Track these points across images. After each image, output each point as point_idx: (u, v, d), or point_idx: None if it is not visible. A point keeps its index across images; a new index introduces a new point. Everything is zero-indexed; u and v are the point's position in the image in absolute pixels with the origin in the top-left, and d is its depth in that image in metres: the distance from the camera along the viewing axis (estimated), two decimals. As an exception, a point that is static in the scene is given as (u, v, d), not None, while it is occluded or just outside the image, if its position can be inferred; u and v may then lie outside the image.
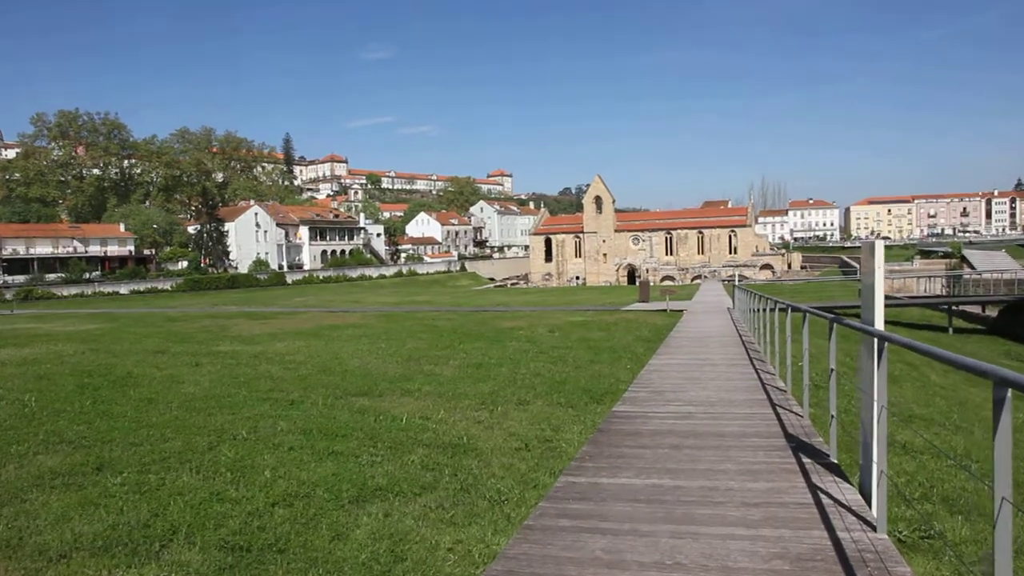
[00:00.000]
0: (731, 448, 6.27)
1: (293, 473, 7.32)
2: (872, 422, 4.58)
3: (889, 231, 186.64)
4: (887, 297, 40.15)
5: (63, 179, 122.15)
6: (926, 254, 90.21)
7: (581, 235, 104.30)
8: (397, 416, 9.88)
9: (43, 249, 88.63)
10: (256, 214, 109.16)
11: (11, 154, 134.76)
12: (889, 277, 51.80)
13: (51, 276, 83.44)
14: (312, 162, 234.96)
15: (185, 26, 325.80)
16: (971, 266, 61.90)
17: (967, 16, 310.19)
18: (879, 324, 4.74)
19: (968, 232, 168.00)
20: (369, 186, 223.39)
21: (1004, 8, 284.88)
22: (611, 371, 13.84)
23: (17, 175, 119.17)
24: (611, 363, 14.89)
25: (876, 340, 4.52)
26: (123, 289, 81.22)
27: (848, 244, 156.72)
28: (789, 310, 9.42)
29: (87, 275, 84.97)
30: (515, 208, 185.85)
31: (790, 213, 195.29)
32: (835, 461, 5.77)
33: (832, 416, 5.95)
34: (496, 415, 10.06)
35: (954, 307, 30.06)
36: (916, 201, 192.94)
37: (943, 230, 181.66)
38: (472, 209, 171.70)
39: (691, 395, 9.14)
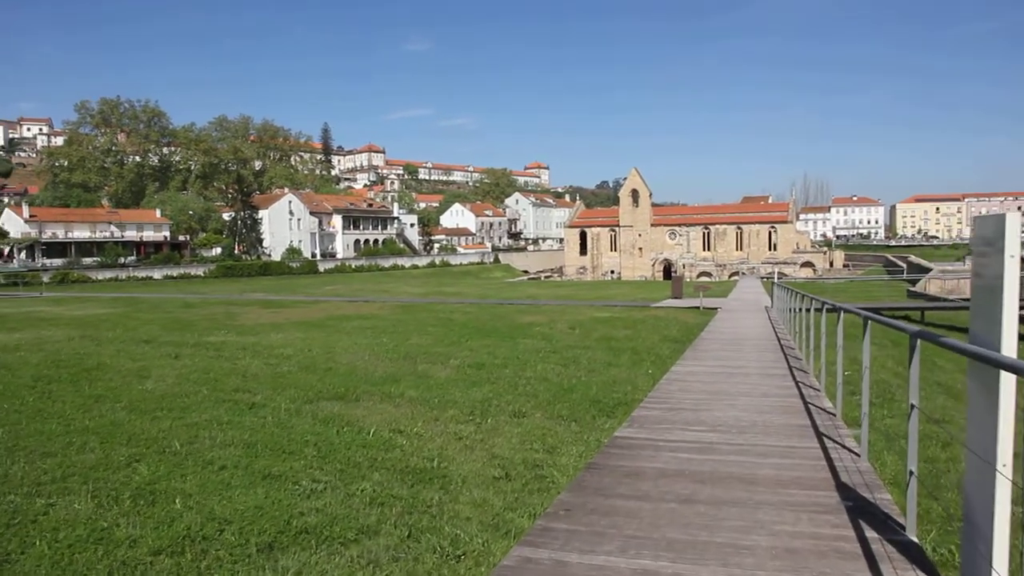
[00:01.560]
0: (763, 506, 4.57)
1: (209, 503, 5.87)
2: (988, 491, 2.92)
3: (937, 230, 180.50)
4: (936, 299, 37.69)
5: (104, 165, 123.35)
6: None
7: (617, 228, 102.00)
8: (365, 428, 8.38)
9: (81, 233, 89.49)
10: (290, 202, 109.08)
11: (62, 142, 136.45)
12: (940, 278, 49.02)
13: (87, 260, 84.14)
14: (350, 152, 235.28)
15: (228, 18, 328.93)
16: (1028, 267, 58.44)
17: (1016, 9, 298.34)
18: (1009, 348, 3.02)
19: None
20: (406, 176, 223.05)
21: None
22: (629, 376, 12.19)
23: (63, 162, 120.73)
24: (630, 367, 13.23)
25: (1001, 373, 2.86)
26: (156, 274, 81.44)
27: (893, 243, 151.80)
28: (841, 313, 7.62)
29: (122, 260, 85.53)
30: (551, 200, 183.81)
31: (833, 210, 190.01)
32: (914, 539, 4.07)
33: (911, 473, 4.24)
34: (483, 430, 8.51)
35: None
36: (967, 199, 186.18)
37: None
38: (507, 201, 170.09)
39: (716, 415, 7.45)
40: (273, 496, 6.06)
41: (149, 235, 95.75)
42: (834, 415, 7.49)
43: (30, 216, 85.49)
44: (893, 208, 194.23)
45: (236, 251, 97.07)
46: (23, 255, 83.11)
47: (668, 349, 15.75)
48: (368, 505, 5.93)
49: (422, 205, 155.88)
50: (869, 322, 5.69)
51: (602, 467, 5.66)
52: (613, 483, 5.19)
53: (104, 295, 45.39)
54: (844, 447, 6.21)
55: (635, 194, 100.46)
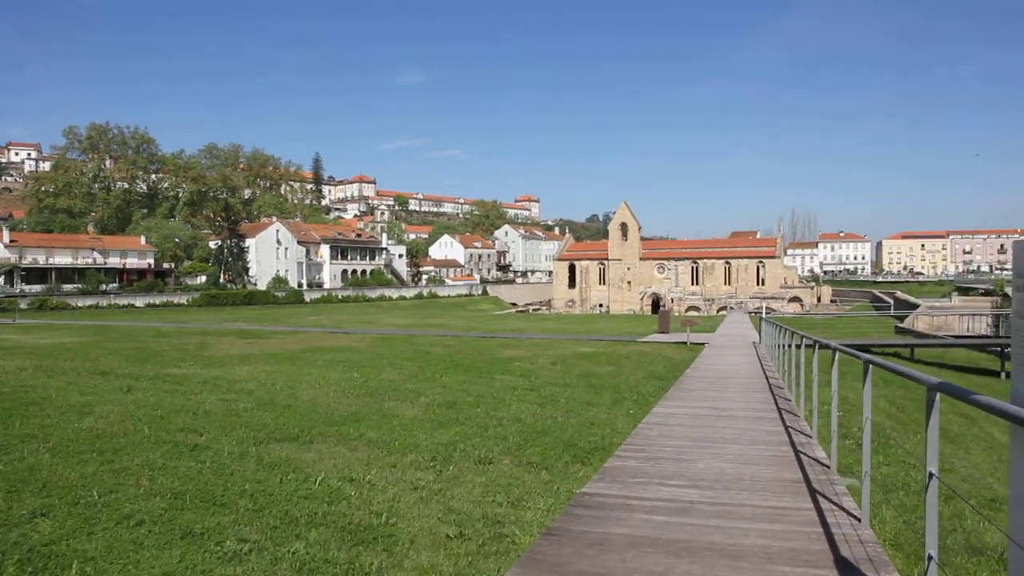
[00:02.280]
0: (748, 590, 3.81)
1: (110, 570, 5.05)
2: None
3: (923, 266, 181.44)
4: (924, 335, 37.19)
5: (91, 191, 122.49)
6: (964, 291, 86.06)
7: (606, 262, 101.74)
8: (312, 475, 7.58)
9: (63, 259, 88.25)
10: (277, 231, 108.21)
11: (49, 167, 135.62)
12: (928, 314, 48.65)
13: (68, 287, 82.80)
14: (341, 182, 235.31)
15: (220, 47, 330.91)
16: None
17: (1004, 50, 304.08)
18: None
19: (1006, 269, 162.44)
20: (396, 207, 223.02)
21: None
22: (608, 418, 11.43)
23: (49, 187, 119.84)
24: (610, 407, 12.48)
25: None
26: (139, 302, 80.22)
27: (880, 279, 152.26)
28: (835, 353, 6.86)
29: (103, 287, 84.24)
30: (540, 233, 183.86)
31: (820, 246, 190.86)
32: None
33: (930, 558, 3.45)
34: (443, 478, 7.72)
35: (1007, 348, 27.13)
36: (951, 236, 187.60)
37: (979, 267, 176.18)
38: (497, 233, 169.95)
39: (698, 468, 6.71)
40: (188, 560, 5.26)
41: (133, 262, 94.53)
42: (828, 467, 6.75)
43: (10, 241, 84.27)
44: (879, 244, 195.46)
45: (222, 280, 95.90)
46: (1, 281, 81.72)
47: (652, 387, 15.02)
48: (296, 573, 5.13)
49: (411, 236, 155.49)
50: (870, 367, 4.96)
51: (562, 533, 4.88)
52: (573, 555, 4.41)
53: (79, 323, 44.36)
54: (842, 508, 5.47)
55: (624, 227, 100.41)
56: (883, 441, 10.35)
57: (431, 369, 17.65)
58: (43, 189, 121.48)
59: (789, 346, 14.14)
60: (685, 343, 26.60)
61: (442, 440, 9.45)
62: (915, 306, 58.82)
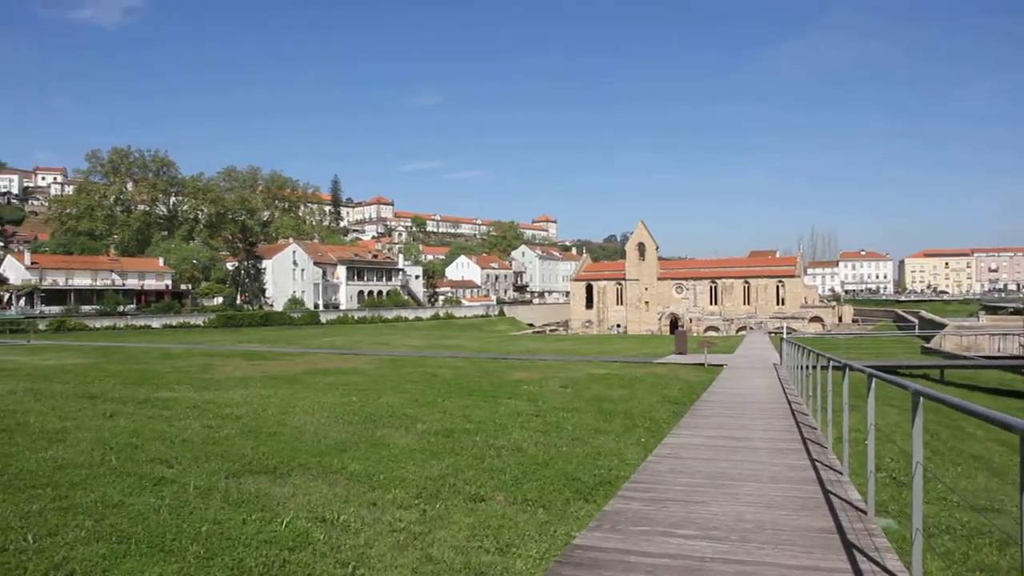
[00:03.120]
0: None
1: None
2: None
3: (947, 285, 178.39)
4: (954, 356, 35.86)
5: (112, 214, 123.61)
6: (992, 310, 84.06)
7: (623, 282, 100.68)
8: (281, 515, 6.79)
9: (82, 281, 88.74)
10: (294, 252, 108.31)
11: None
12: (956, 334, 47.20)
13: (86, 308, 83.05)
14: (359, 204, 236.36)
15: (241, 73, 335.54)
16: (1046, 324, 56.51)
17: (1019, 69, 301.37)
18: None
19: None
20: (414, 228, 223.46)
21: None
22: (617, 447, 10.57)
23: (71, 210, 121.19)
24: (620, 435, 11.60)
25: None
26: (155, 323, 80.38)
27: (903, 298, 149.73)
28: (872, 380, 5.76)
29: (121, 308, 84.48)
30: (557, 253, 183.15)
31: (841, 264, 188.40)
32: None
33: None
34: (427, 518, 6.91)
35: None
36: (976, 254, 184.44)
37: (1006, 285, 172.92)
38: (513, 253, 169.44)
39: (712, 512, 5.82)
40: (110, 624, 4.48)
41: (151, 283, 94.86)
42: (863, 512, 5.85)
43: (31, 263, 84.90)
44: (902, 263, 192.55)
45: (238, 301, 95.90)
46: (22, 302, 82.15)
47: (666, 412, 14.12)
48: (232, 641, 4.34)
49: (429, 257, 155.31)
50: (920, 399, 4.11)
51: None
52: (554, 634, 3.61)
53: (91, 344, 44.08)
54: (884, 570, 4.58)
55: (641, 247, 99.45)
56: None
57: (434, 393, 16.85)
58: (66, 212, 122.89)
59: (813, 367, 13.22)
60: (703, 364, 25.63)
61: (432, 473, 8.64)
62: (940, 325, 57.31)
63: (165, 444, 9.99)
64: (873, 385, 5.64)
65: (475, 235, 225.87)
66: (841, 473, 7.31)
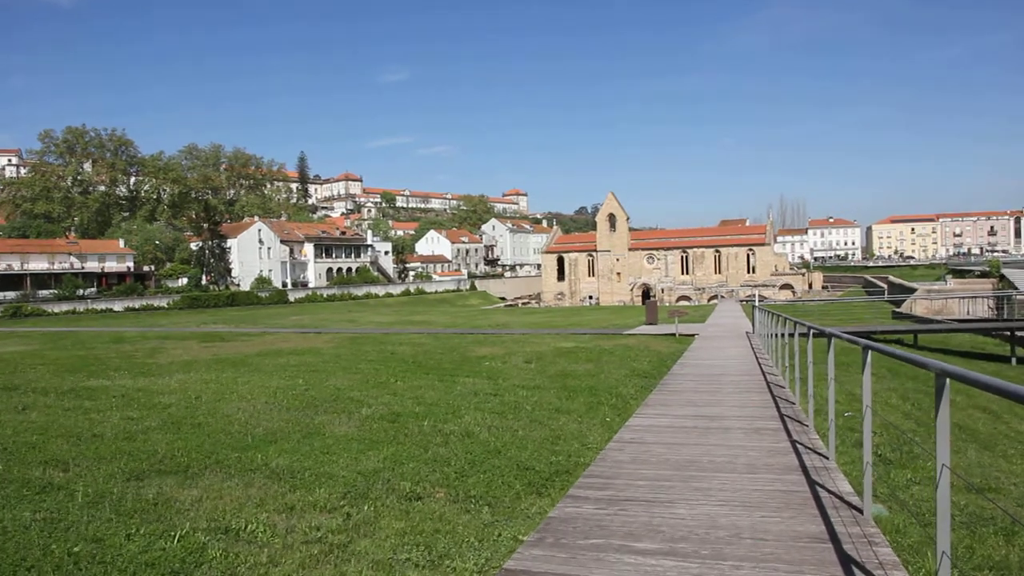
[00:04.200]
0: None
1: None
2: None
3: (913, 250, 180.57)
4: (926, 320, 35.54)
5: (69, 195, 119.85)
6: (959, 273, 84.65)
7: (594, 253, 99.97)
8: (176, 527, 5.76)
9: (38, 265, 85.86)
10: (259, 230, 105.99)
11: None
12: (926, 298, 47.08)
13: (44, 292, 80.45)
14: (327, 181, 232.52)
15: (199, 48, 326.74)
16: (1013, 286, 56.80)
17: (985, 34, 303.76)
18: None
19: (996, 251, 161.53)
20: (383, 204, 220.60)
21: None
22: (579, 429, 9.65)
23: (26, 192, 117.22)
24: (583, 415, 10.69)
25: None
26: (117, 306, 78.16)
27: (871, 264, 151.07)
28: (867, 353, 4.79)
29: (81, 292, 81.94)
30: (527, 226, 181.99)
31: (810, 232, 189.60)
32: None
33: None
34: (352, 524, 5.93)
35: (1017, 332, 25.39)
36: (941, 220, 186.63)
37: (970, 249, 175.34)
38: (484, 227, 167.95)
39: (679, 515, 4.90)
40: None
41: (112, 266, 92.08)
42: (859, 510, 4.92)
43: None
44: (869, 229, 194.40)
45: (204, 281, 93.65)
46: (-26, 289, 79.36)
47: (634, 387, 13.25)
48: None
49: (399, 233, 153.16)
50: (947, 381, 3.19)
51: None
52: None
53: (44, 330, 42.34)
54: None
55: (612, 218, 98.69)
56: (906, 451, 8.61)
57: (389, 372, 15.80)
58: (20, 194, 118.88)
59: (784, 335, 12.40)
60: (674, 335, 24.87)
61: (367, 467, 7.64)
62: (910, 290, 57.28)
63: (70, 442, 8.88)
64: (869, 359, 4.69)
65: (445, 210, 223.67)
66: (827, 457, 6.41)
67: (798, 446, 6.91)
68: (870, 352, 4.64)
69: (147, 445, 8.62)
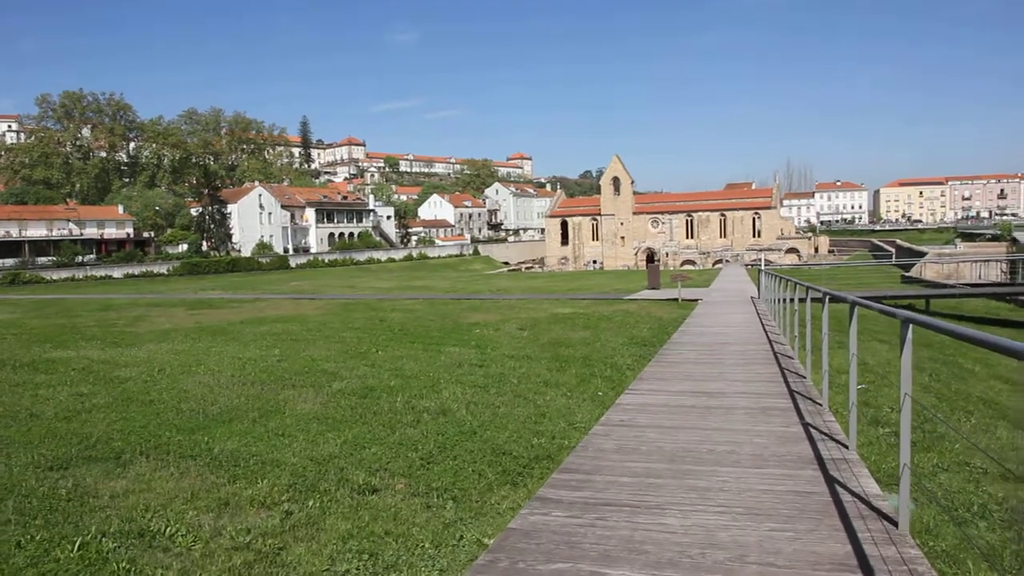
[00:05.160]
0: None
1: None
2: None
3: (921, 214, 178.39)
4: (937, 285, 34.54)
5: (68, 161, 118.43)
6: (968, 237, 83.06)
7: (598, 217, 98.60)
8: (79, 532, 4.92)
9: (36, 232, 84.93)
10: (260, 195, 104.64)
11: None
12: (936, 262, 45.96)
13: (42, 260, 79.72)
14: (330, 145, 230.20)
15: (200, 10, 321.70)
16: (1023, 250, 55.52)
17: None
18: None
19: (1007, 215, 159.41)
20: (387, 169, 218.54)
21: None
22: (567, 405, 8.78)
23: (24, 158, 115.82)
24: (574, 388, 9.80)
25: None
26: (117, 273, 77.41)
27: (878, 227, 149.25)
28: (909, 327, 3.74)
29: (80, 258, 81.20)
30: (531, 190, 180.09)
31: (817, 196, 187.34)
32: None
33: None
34: (291, 525, 5.08)
35: (1031, 297, 24.45)
36: (950, 183, 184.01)
37: (979, 212, 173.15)
38: (487, 191, 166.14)
39: (668, 527, 3.98)
40: None
41: (111, 232, 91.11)
42: (893, 521, 3.97)
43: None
44: (877, 193, 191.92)
45: (204, 247, 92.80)
46: (-29, 256, 78.55)
47: (631, 357, 12.35)
48: None
49: (402, 197, 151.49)
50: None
51: None
52: None
53: (39, 297, 41.60)
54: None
55: (616, 182, 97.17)
56: (929, 431, 7.71)
57: (371, 341, 14.93)
58: (19, 160, 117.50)
59: (792, 300, 11.41)
60: (676, 300, 23.94)
61: (322, 452, 6.78)
62: (918, 254, 56.14)
63: (2, 423, 8.04)
64: (910, 334, 3.71)
65: (449, 174, 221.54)
66: (846, 446, 5.49)
67: (811, 430, 6.00)
68: (911, 327, 3.68)
69: (85, 427, 7.77)
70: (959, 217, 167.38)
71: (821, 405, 6.97)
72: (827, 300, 7.21)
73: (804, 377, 8.64)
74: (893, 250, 71.66)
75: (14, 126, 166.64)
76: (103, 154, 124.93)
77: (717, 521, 4.03)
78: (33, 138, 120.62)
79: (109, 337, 17.06)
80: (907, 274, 40.85)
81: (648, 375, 9.25)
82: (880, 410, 8.75)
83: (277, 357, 12.74)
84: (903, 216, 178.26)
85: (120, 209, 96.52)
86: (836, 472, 4.81)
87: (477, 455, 6.66)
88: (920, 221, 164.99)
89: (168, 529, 4.97)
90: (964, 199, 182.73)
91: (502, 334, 16.07)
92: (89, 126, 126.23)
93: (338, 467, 6.32)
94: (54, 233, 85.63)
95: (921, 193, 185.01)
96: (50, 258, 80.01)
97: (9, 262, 77.42)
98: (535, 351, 13.26)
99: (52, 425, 7.87)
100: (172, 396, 9.37)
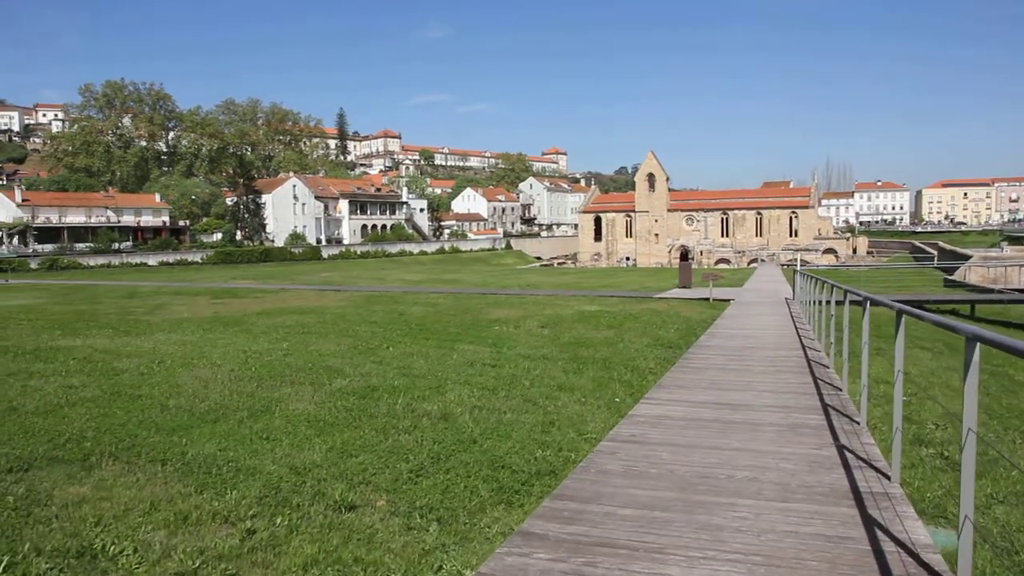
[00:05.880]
0: None
1: None
2: None
3: (965, 216, 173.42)
4: (982, 289, 33.11)
5: (109, 150, 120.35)
6: (1016, 240, 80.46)
7: (632, 214, 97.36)
8: (12, 548, 4.40)
9: (76, 218, 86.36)
10: (294, 186, 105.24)
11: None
12: (982, 265, 44.24)
13: (80, 246, 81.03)
14: (366, 138, 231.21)
15: (243, 6, 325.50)
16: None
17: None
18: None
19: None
20: (422, 162, 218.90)
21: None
22: (578, 413, 8.13)
23: (67, 146, 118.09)
24: (588, 394, 9.14)
25: None
26: (152, 260, 78.34)
27: (919, 229, 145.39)
28: (976, 345, 3.02)
29: (116, 245, 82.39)
30: (566, 185, 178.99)
31: (856, 195, 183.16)
32: None
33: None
34: (250, 546, 4.52)
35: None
36: (996, 184, 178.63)
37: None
38: (521, 186, 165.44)
39: None
40: None
41: (148, 220, 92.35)
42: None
43: (23, 200, 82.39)
44: (919, 193, 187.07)
45: (238, 237, 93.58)
46: (15, 241, 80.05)
47: (654, 360, 11.65)
48: None
49: (436, 191, 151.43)
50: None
51: None
52: None
53: (70, 282, 42.05)
54: None
55: (651, 178, 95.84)
56: (981, 451, 6.90)
57: (385, 336, 14.42)
58: (62, 148, 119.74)
59: (828, 302, 10.57)
60: (707, 300, 23.09)
61: (304, 460, 6.22)
62: (961, 256, 54.24)
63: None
64: (976, 355, 2.94)
65: (484, 168, 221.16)
66: (888, 477, 4.75)
67: (847, 455, 5.27)
68: (978, 345, 2.97)
69: (61, 423, 7.32)
70: (1005, 220, 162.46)
71: (858, 423, 6.21)
72: (868, 305, 6.45)
73: (840, 390, 7.87)
74: (935, 252, 69.52)
75: (59, 115, 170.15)
76: (143, 143, 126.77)
77: (729, 574, 3.35)
78: (76, 127, 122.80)
79: (123, 325, 16.79)
80: (950, 277, 39.33)
81: (668, 382, 8.55)
82: (923, 427, 7.96)
83: (284, 351, 12.27)
84: (945, 218, 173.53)
85: (157, 197, 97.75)
86: (876, 511, 4.09)
87: (473, 468, 6.05)
88: (964, 223, 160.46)
89: (113, 548, 4.44)
90: (1012, 201, 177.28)
91: (522, 331, 15.45)
92: (130, 115, 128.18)
93: (317, 478, 5.75)
94: (92, 220, 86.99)
95: (965, 195, 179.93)
96: (88, 244, 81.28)
97: (48, 247, 78.84)
98: (553, 351, 12.61)
99: (28, 420, 7.44)
100: (162, 391, 8.91)
